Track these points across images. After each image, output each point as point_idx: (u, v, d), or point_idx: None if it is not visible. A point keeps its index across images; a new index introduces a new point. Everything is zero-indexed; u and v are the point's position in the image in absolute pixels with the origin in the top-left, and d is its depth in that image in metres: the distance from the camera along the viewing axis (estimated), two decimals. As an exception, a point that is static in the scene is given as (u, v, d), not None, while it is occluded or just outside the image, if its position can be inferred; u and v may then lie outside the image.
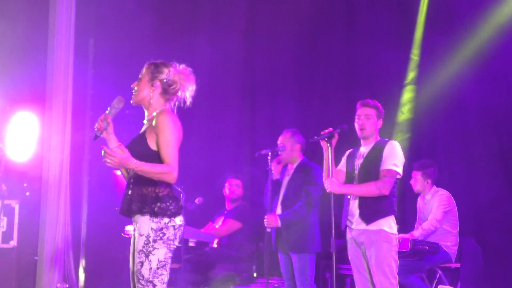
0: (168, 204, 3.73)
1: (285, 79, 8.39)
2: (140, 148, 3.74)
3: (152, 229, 3.68)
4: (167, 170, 3.67)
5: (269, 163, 5.70)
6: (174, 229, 3.74)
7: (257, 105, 8.40)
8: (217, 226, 7.16)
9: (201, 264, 6.75)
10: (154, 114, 3.87)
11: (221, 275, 6.73)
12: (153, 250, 3.67)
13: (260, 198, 7.37)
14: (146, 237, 3.67)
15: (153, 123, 3.79)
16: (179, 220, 3.77)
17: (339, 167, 5.18)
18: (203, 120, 8.12)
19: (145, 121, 3.96)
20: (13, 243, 6.59)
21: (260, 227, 6.92)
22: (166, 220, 3.71)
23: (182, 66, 4.02)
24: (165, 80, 3.92)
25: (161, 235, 3.68)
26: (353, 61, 8.11)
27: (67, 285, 6.86)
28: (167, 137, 3.74)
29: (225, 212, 7.21)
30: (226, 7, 8.36)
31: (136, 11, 7.54)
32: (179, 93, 3.98)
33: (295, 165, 5.88)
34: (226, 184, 7.23)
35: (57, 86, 7.09)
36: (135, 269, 3.71)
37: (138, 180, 3.77)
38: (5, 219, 6.54)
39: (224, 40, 8.09)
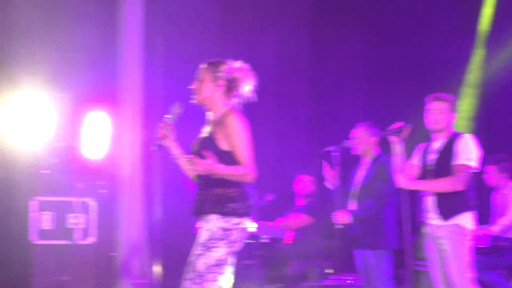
0: (239, 204, 3.76)
1: (352, 73, 8.27)
2: (213, 150, 3.72)
3: (220, 228, 3.70)
4: (246, 172, 3.71)
5: (336, 161, 5.64)
6: (241, 231, 3.75)
7: (325, 100, 8.33)
8: (290, 221, 7.16)
9: (274, 261, 6.76)
10: (220, 114, 3.87)
11: (294, 272, 6.71)
12: (214, 247, 3.68)
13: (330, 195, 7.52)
14: (211, 232, 3.70)
15: (223, 123, 3.79)
16: (247, 222, 3.80)
17: (412, 161, 5.03)
18: (271, 116, 8.13)
19: (207, 123, 3.96)
20: (91, 239, 6.72)
21: (333, 224, 7.07)
22: (235, 220, 3.73)
23: (239, 63, 3.99)
24: (227, 79, 3.91)
25: (226, 235, 3.70)
26: (421, 53, 7.96)
27: (144, 281, 6.94)
28: (241, 138, 3.75)
29: (297, 208, 7.19)
30: (292, 2, 8.30)
31: (203, 9, 7.60)
32: (240, 90, 3.97)
33: (369, 159, 5.76)
34: (298, 180, 7.21)
35: (128, 85, 7.22)
36: (190, 259, 3.72)
37: (210, 181, 3.78)
38: (83, 216, 6.67)
39: (290, 35, 8.09)
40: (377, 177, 5.57)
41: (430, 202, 4.86)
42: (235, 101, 3.96)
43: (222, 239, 3.69)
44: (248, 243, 6.23)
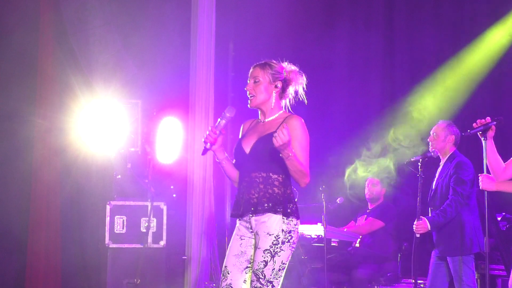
0: (295, 205, 3.79)
1: (426, 70, 8.19)
2: (275, 149, 3.63)
3: (282, 230, 3.69)
4: (307, 173, 3.70)
5: (420, 170, 5.46)
6: (298, 232, 3.77)
7: (398, 99, 8.26)
8: (359, 225, 7.13)
9: (344, 264, 6.74)
10: (275, 115, 3.87)
11: (364, 275, 6.67)
12: (280, 251, 3.67)
13: (404, 197, 7.52)
14: (275, 237, 3.68)
15: (287, 125, 3.71)
16: (299, 223, 3.81)
17: (508, 161, 4.69)
18: (342, 116, 8.13)
19: (258, 124, 3.94)
20: (162, 243, 6.71)
21: (404, 226, 6.99)
22: (295, 221, 3.74)
23: (289, 65, 3.96)
24: (283, 80, 3.90)
25: (289, 237, 3.71)
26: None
27: (214, 284, 7.01)
28: (303, 143, 3.75)
29: (367, 211, 7.16)
30: (363, 1, 8.29)
31: (273, 13, 7.65)
32: (290, 92, 3.95)
33: (445, 159, 5.55)
34: (366, 184, 7.17)
35: (200, 90, 7.25)
36: (255, 267, 3.69)
37: (265, 180, 3.77)
38: (155, 220, 6.74)
39: (362, 35, 8.04)
40: (452, 179, 5.38)
41: None
42: (284, 102, 3.95)
43: (286, 243, 3.69)
44: (318, 246, 6.43)
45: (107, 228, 6.68)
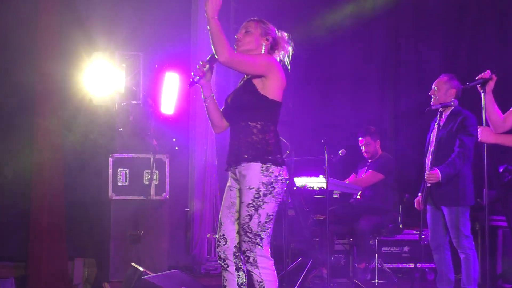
0: (278, 155, 3.76)
1: (431, 22, 8.22)
2: (251, 95, 3.74)
3: (263, 183, 3.68)
4: (227, 47, 3.64)
5: (437, 120, 5.43)
6: (282, 182, 3.74)
7: (402, 53, 8.28)
8: (360, 177, 7.16)
9: (346, 216, 6.78)
10: None
11: (366, 227, 6.72)
12: (263, 204, 3.68)
13: (404, 150, 7.67)
14: (256, 190, 3.68)
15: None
16: (286, 173, 3.77)
17: (507, 113, 4.72)
18: (347, 70, 8.12)
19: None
20: (165, 195, 6.78)
21: (404, 177, 7.24)
22: (276, 173, 3.70)
23: (280, 31, 4.00)
24: (274, 38, 3.93)
25: (271, 189, 3.69)
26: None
27: (216, 236, 7.05)
28: (254, 56, 3.79)
29: (368, 164, 7.18)
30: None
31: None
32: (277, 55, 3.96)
33: (447, 113, 5.50)
34: (360, 144, 7.18)
35: (201, 43, 7.22)
36: (241, 222, 3.71)
37: (244, 129, 3.78)
38: (157, 172, 6.74)
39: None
40: (458, 131, 5.37)
41: None
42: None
43: (268, 195, 3.69)
44: (320, 198, 6.45)
45: (110, 180, 6.70)
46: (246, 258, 3.70)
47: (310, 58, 7.73)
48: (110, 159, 6.74)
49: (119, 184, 6.75)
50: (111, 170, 6.72)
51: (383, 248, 6.87)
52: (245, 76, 3.93)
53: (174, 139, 7.39)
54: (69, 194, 6.75)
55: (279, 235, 5.95)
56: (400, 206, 7.11)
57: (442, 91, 5.50)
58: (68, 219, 6.66)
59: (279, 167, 3.74)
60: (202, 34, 7.15)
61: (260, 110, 3.73)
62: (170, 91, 7.01)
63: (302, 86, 7.91)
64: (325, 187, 6.20)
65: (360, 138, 7.13)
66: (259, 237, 3.65)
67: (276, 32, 3.93)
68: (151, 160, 6.74)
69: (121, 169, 6.77)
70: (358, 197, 7.01)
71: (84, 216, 7.10)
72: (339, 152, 6.58)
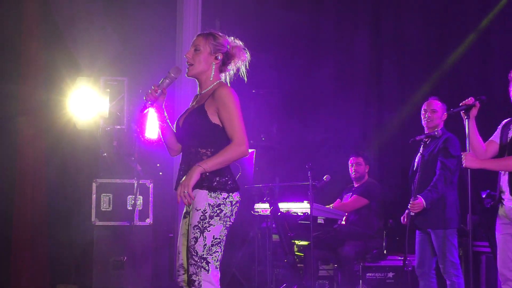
0: (226, 178, 3.63)
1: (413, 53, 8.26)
2: (202, 122, 3.61)
3: (209, 204, 3.57)
4: (236, 149, 3.57)
5: (421, 149, 5.43)
6: (232, 205, 3.63)
7: (385, 83, 8.33)
8: (345, 202, 7.10)
9: (330, 241, 6.72)
10: (210, 87, 3.73)
11: (350, 252, 6.67)
12: (208, 226, 3.55)
13: (388, 176, 7.65)
14: (202, 212, 3.55)
15: (214, 96, 3.64)
16: (237, 196, 3.66)
17: (492, 137, 4.79)
18: (330, 98, 8.10)
19: (196, 96, 3.84)
20: (148, 220, 6.76)
21: (389, 204, 7.20)
22: (224, 195, 3.60)
23: (234, 40, 3.85)
24: (225, 53, 3.77)
25: (218, 211, 3.57)
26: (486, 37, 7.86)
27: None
28: (233, 111, 3.61)
29: (353, 189, 7.13)
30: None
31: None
32: (231, 67, 3.84)
33: (434, 135, 5.48)
34: (349, 162, 7.12)
35: (186, 67, 7.13)
36: (188, 244, 3.59)
37: (194, 155, 3.65)
38: (141, 198, 6.73)
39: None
40: (440, 153, 5.37)
41: (503, 181, 4.57)
42: (223, 76, 3.82)
43: (214, 217, 3.56)
44: (304, 224, 6.36)
45: (93, 205, 6.67)
46: (191, 282, 3.58)
47: (292, 83, 7.77)
48: (94, 184, 6.72)
49: (103, 209, 6.72)
50: (94, 195, 6.70)
51: (368, 274, 6.79)
52: (198, 94, 3.82)
53: (158, 165, 7.39)
54: (52, 219, 6.69)
55: (264, 260, 5.92)
56: (384, 232, 7.10)
57: (439, 114, 5.51)
58: (51, 244, 6.60)
59: (230, 192, 3.65)
60: (186, 51, 7.10)
61: (211, 137, 3.64)
62: (155, 116, 6.93)
63: (286, 111, 7.93)
64: (309, 213, 6.18)
65: (352, 157, 7.07)
66: (205, 261, 3.52)
67: (229, 44, 3.79)
68: (135, 185, 6.72)
69: (105, 194, 6.76)
70: (343, 222, 6.95)
71: (67, 242, 7.04)
72: (324, 178, 6.55)
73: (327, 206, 6.92)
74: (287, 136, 7.95)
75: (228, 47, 3.77)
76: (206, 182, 3.57)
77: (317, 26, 8.13)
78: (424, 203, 5.26)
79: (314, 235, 6.17)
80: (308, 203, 6.26)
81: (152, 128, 6.91)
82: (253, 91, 7.30)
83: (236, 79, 3.84)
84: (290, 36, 7.89)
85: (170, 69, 3.73)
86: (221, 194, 3.59)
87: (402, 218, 5.61)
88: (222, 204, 3.59)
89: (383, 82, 8.31)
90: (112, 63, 7.02)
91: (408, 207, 5.36)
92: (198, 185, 3.55)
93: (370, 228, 6.92)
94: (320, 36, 8.04)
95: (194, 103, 3.80)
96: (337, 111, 8.15)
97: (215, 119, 3.63)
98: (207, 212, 3.55)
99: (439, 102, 5.58)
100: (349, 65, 8.20)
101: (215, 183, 3.59)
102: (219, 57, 3.74)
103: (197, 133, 3.64)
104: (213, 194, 3.57)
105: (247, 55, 3.83)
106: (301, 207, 6.58)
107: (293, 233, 6.60)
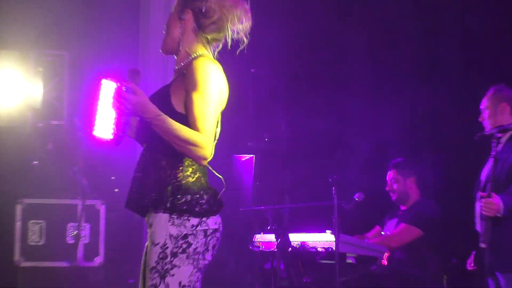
0: (197, 196, 2.98)
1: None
2: (163, 111, 3.01)
3: (171, 236, 2.96)
4: (200, 143, 2.93)
5: (493, 146, 4.56)
6: (205, 236, 3.01)
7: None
8: (387, 233, 6.02)
9: (365, 289, 6.03)
10: (184, 63, 3.15)
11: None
12: (171, 269, 2.97)
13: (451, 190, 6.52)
14: (161, 248, 2.98)
15: (185, 74, 3.05)
16: (213, 222, 3.03)
17: None
18: (365, 80, 6.98)
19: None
20: (98, 259, 6.00)
21: (451, 235, 6.22)
22: (193, 221, 2.99)
23: None
24: (198, 9, 3.15)
25: (184, 246, 2.98)
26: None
27: None
28: (203, 95, 2.97)
29: (399, 213, 6.01)
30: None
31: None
32: (224, 33, 3.17)
33: (507, 135, 4.76)
34: (386, 179, 6.17)
35: (153, 44, 6.38)
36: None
37: (153, 157, 3.06)
38: (88, 226, 6.01)
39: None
40: None
41: None
42: (212, 47, 3.19)
43: (177, 254, 2.96)
44: (327, 264, 5.50)
45: (17, 238, 5.90)
46: None
47: (307, 58, 6.88)
48: (18, 206, 5.97)
49: (31, 243, 5.93)
50: (19, 222, 5.93)
51: (423, 337, 6.10)
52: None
53: (112, 177, 6.65)
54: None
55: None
56: (445, 276, 5.95)
57: (494, 105, 4.93)
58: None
59: (203, 217, 3.01)
60: (155, 24, 6.43)
61: None
62: (108, 107, 5.70)
63: (298, 99, 6.93)
64: (334, 248, 5.21)
65: (388, 171, 6.17)
66: None
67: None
68: (79, 207, 5.98)
69: (34, 221, 5.98)
70: (385, 261, 5.88)
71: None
72: (354, 197, 5.52)
73: (361, 239, 5.96)
74: (300, 136, 7.00)
75: (206, 1, 3.22)
76: (165, 201, 3.01)
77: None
78: (502, 206, 4.45)
79: (342, 280, 5.18)
80: (332, 233, 5.31)
81: (106, 123, 5.81)
82: (252, 70, 6.63)
83: (229, 53, 3.21)
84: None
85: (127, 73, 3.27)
86: (188, 220, 2.98)
87: (468, 262, 5.07)
88: (190, 234, 3.01)
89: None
90: (47, 33, 6.32)
91: (479, 206, 4.54)
92: (153, 206, 3.02)
93: (424, 270, 5.85)
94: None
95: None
96: (375, 98, 7.06)
97: (181, 107, 3.10)
98: (167, 247, 2.97)
99: (491, 90, 4.96)
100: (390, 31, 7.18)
101: (180, 202, 3.00)
102: (185, 17, 3.17)
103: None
104: (176, 221, 2.97)
105: (243, 11, 3.12)
106: (322, 240, 5.57)
107: (311, 278, 5.64)
